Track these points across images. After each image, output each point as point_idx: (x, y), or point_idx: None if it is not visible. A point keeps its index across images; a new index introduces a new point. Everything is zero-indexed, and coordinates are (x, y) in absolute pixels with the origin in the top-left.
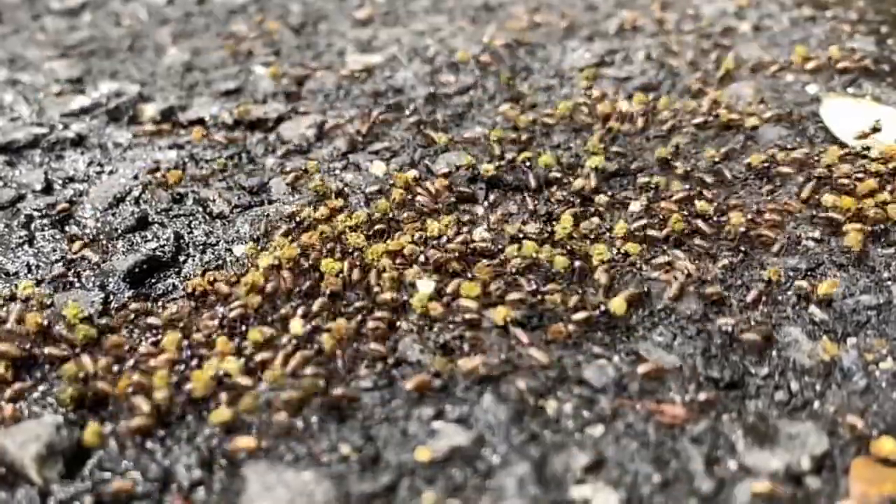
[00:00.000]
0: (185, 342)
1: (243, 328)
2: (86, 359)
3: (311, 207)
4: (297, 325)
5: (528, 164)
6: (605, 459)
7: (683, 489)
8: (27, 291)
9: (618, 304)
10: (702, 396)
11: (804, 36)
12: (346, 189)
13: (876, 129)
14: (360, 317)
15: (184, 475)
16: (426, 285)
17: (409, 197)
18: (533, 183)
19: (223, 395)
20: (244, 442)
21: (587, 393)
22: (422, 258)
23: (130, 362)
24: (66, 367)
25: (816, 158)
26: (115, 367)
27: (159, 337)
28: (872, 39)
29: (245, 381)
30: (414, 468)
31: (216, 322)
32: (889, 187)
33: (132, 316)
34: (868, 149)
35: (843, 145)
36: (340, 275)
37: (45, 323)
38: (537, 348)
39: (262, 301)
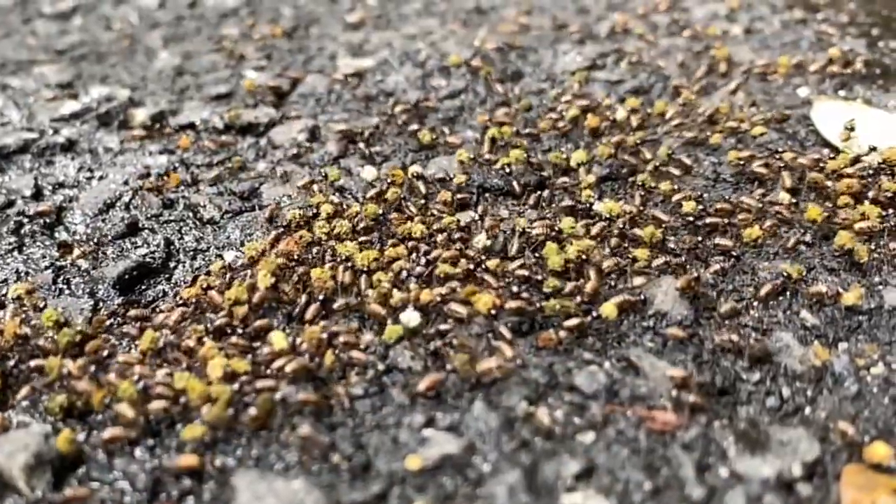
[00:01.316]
0: (169, 350)
1: (229, 340)
2: (68, 364)
3: (303, 213)
4: (279, 338)
5: (507, 169)
6: (596, 467)
7: (675, 496)
8: (19, 292)
9: (609, 310)
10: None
11: (795, 39)
12: (337, 194)
13: (851, 129)
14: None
15: (173, 484)
16: (412, 318)
17: (403, 199)
18: (518, 188)
19: (205, 408)
20: (186, 461)
21: (578, 399)
22: (413, 268)
23: (113, 369)
24: (49, 375)
25: (806, 161)
26: (96, 375)
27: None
28: (864, 42)
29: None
30: (405, 476)
31: (203, 329)
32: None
33: (118, 323)
34: (868, 153)
35: (833, 148)
36: (329, 282)
37: (25, 332)
38: (505, 342)
39: (247, 312)
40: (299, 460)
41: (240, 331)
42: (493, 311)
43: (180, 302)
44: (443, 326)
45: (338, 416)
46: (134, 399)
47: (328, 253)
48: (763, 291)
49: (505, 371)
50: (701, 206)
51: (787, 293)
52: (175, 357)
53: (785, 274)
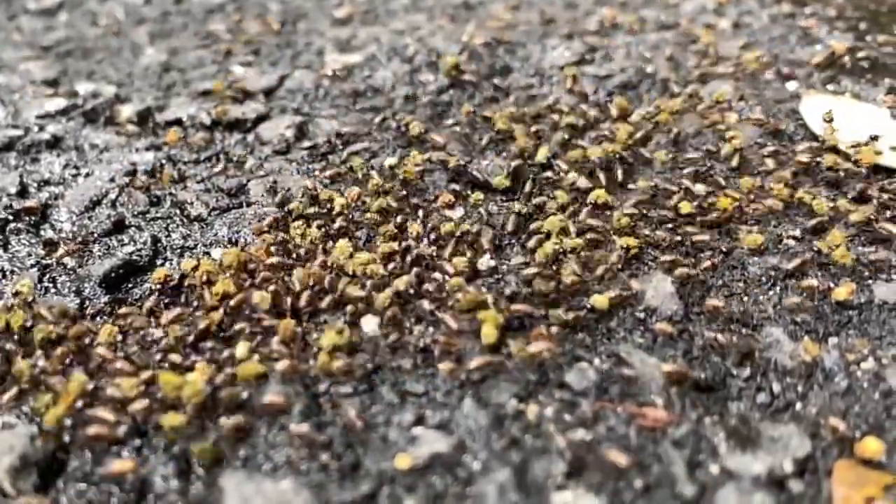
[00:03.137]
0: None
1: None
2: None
3: (292, 209)
4: (243, 348)
5: (489, 168)
6: (587, 464)
7: (666, 494)
8: (25, 289)
9: (600, 301)
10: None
11: (783, 33)
12: (325, 191)
13: (829, 120)
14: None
15: (160, 486)
16: (369, 323)
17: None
18: (507, 184)
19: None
20: (120, 465)
21: (568, 396)
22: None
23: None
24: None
25: (796, 155)
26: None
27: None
28: (851, 36)
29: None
30: (394, 476)
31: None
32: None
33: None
34: (868, 142)
35: (822, 142)
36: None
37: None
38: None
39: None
40: (288, 460)
41: (220, 333)
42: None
43: (166, 300)
44: (430, 329)
45: (327, 416)
46: (80, 396)
47: (320, 250)
48: (792, 265)
49: (553, 355)
50: (690, 201)
51: (777, 287)
52: (162, 357)
53: (815, 249)
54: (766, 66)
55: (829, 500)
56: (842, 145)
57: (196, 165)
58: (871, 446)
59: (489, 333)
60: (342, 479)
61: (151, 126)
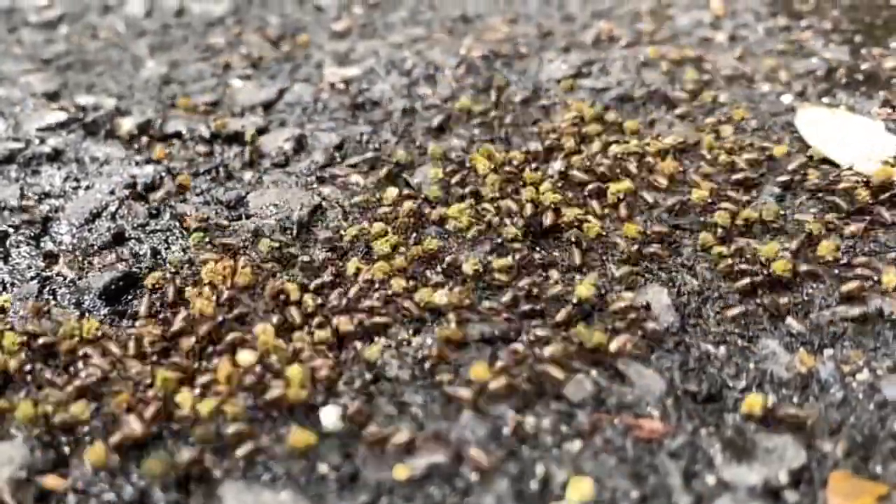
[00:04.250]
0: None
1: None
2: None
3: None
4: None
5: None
6: (584, 475)
7: None
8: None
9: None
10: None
11: (779, 46)
12: (323, 203)
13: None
14: None
15: (159, 497)
16: (329, 415)
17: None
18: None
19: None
20: (52, 482)
21: (565, 408)
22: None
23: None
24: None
25: (794, 168)
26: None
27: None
28: (847, 49)
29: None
30: (392, 487)
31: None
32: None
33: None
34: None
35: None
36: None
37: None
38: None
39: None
40: (287, 471)
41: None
42: None
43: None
44: (429, 339)
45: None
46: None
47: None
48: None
49: (631, 352)
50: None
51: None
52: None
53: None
54: (762, 79)
55: None
56: (837, 159)
57: (195, 178)
58: (753, 402)
59: None
60: (341, 489)
61: (151, 138)
